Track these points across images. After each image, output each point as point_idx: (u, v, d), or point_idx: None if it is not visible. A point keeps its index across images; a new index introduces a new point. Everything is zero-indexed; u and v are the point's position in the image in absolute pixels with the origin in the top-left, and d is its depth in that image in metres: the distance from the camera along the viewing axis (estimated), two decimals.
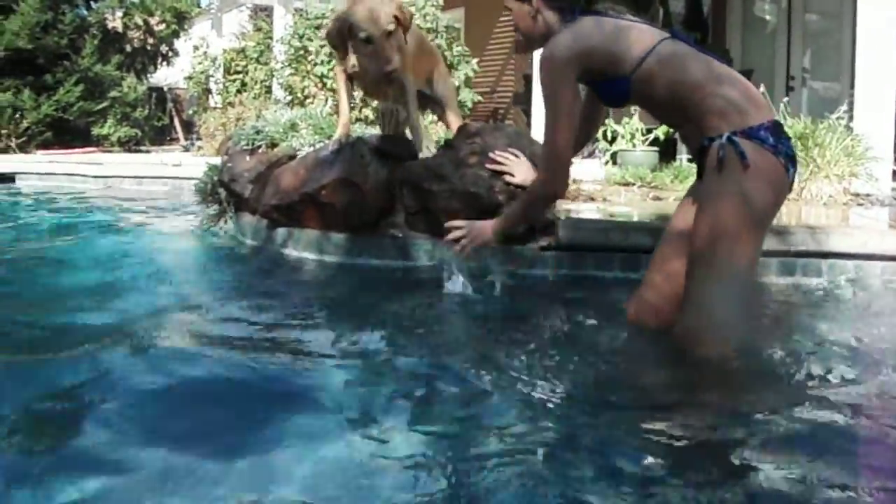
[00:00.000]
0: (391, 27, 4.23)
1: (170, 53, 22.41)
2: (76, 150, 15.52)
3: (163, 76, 23.68)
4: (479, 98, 11.97)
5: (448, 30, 10.68)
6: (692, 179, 3.13)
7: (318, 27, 11.26)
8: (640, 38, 2.87)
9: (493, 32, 15.02)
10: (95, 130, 17.83)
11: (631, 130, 8.50)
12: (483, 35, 14.62)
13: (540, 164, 3.28)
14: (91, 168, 11.12)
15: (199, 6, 22.95)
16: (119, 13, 20.34)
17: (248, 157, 5.52)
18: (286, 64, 11.74)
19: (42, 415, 2.39)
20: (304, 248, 4.85)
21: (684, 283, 2.78)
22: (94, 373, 2.67)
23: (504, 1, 3.14)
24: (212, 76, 15.29)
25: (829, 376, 2.82)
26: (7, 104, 16.09)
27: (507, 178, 4.05)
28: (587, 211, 5.44)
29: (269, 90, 13.62)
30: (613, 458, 2.15)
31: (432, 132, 6.62)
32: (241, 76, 14.42)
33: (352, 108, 5.33)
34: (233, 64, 14.73)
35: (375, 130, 6.60)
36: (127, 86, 18.87)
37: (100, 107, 17.78)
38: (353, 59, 4.54)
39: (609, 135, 8.63)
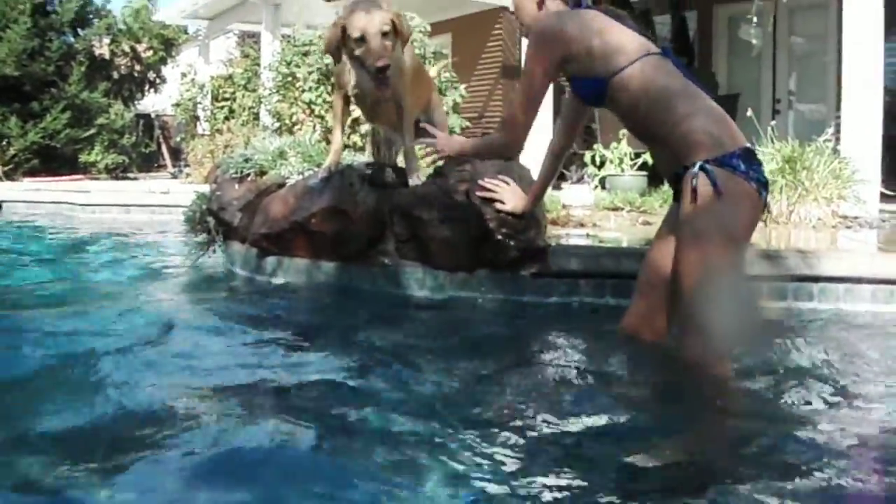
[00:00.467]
0: (386, 28, 4.21)
1: (157, 80, 22.45)
2: (63, 177, 15.50)
3: (150, 103, 23.69)
4: (468, 124, 11.98)
5: (436, 56, 10.69)
6: None
7: (305, 53, 11.25)
8: (629, 45, 2.90)
9: (480, 58, 15.07)
10: (83, 157, 17.82)
11: (619, 155, 8.52)
12: (470, 60, 14.65)
13: (499, 127, 3.38)
14: (78, 196, 11.07)
15: (186, 33, 23.02)
16: (106, 40, 20.38)
17: (236, 186, 5.50)
18: (274, 90, 11.72)
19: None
20: (293, 277, 4.82)
21: (678, 309, 2.79)
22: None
23: None
24: (199, 103, 15.27)
25: (818, 400, 2.83)
26: None
27: (498, 205, 4.05)
28: (577, 237, 5.43)
29: (256, 117, 13.59)
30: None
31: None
32: (228, 103, 14.40)
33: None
34: (220, 91, 14.71)
35: (363, 157, 6.61)
36: (114, 113, 18.88)
37: (87, 134, 17.79)
38: (352, 80, 4.54)
39: (598, 160, 8.65)
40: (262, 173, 5.50)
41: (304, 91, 10.82)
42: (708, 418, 2.71)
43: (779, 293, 4.41)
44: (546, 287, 4.37)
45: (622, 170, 8.46)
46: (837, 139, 7.08)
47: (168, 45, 22.89)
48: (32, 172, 16.31)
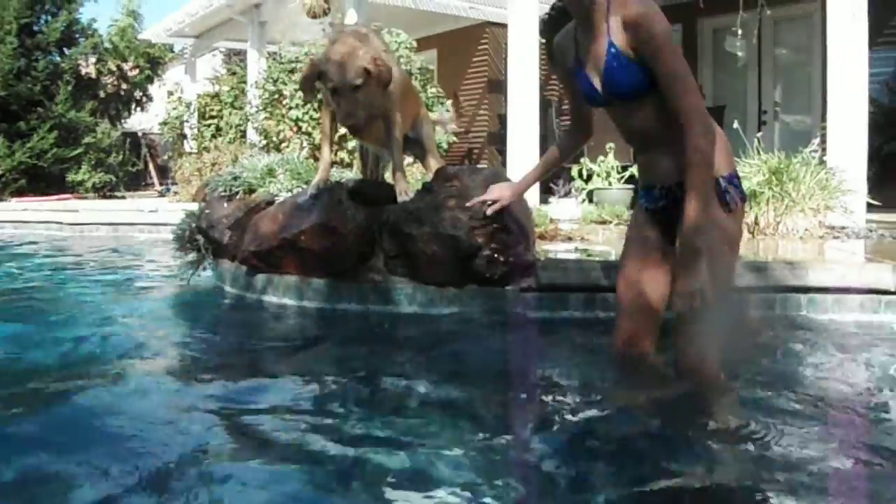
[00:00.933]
0: (358, 81, 4.17)
1: (144, 99, 22.47)
2: (51, 197, 15.47)
3: (137, 121, 23.71)
4: (454, 139, 12.01)
5: (422, 71, 10.73)
6: None
7: (291, 71, 11.28)
8: None
9: (467, 73, 15.12)
10: (70, 177, 17.80)
11: (606, 168, 8.55)
12: (456, 76, 14.72)
13: (693, 125, 2.72)
14: (66, 216, 11.06)
15: (172, 51, 23.06)
16: (92, 59, 20.37)
17: (225, 204, 5.51)
18: (261, 108, 11.74)
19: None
20: (283, 294, 4.82)
21: (681, 320, 2.79)
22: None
23: None
24: (187, 121, 15.26)
25: (804, 409, 2.85)
26: None
27: (495, 207, 3.89)
28: (566, 251, 5.44)
29: (244, 134, 13.60)
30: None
31: (408, 174, 6.62)
32: (215, 121, 14.40)
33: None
34: (207, 109, 14.72)
35: (350, 173, 6.62)
36: (101, 132, 18.89)
37: (74, 153, 17.78)
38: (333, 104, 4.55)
39: (585, 173, 8.67)
40: (251, 191, 5.51)
41: (290, 108, 10.83)
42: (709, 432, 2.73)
43: (767, 304, 4.42)
44: (535, 301, 4.37)
45: (609, 183, 8.49)
46: (824, 150, 7.12)
47: (154, 63, 22.95)
48: (20, 192, 16.29)
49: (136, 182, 21.27)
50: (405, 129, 4.89)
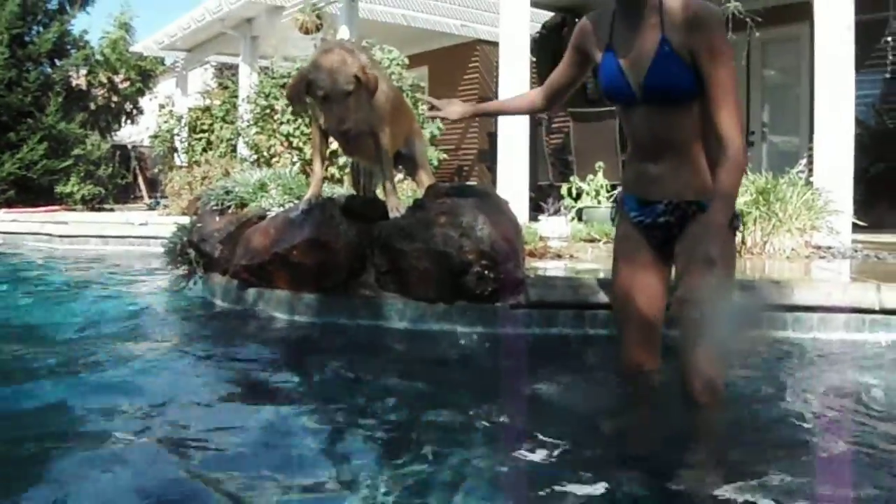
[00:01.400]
0: (349, 87, 4.25)
1: (134, 111, 22.46)
2: (40, 208, 15.44)
3: (126, 134, 23.70)
4: (445, 156, 12.07)
5: (413, 88, 10.78)
6: None
7: (283, 86, 11.31)
8: None
9: (457, 90, 15.18)
10: (59, 188, 17.76)
11: (595, 187, 8.61)
12: (446, 93, 14.81)
13: (729, 146, 2.69)
14: (56, 227, 11.03)
15: (163, 64, 23.08)
16: (83, 71, 20.34)
17: (217, 218, 5.55)
18: (252, 122, 11.77)
19: None
20: (274, 308, 4.84)
21: (688, 335, 2.82)
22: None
23: None
24: (177, 135, 15.28)
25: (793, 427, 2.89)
26: None
27: (439, 113, 3.80)
28: (555, 269, 5.48)
29: (234, 149, 13.63)
30: None
31: (400, 190, 6.66)
32: (206, 135, 14.43)
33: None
34: (198, 122, 14.74)
35: (341, 189, 6.65)
36: (91, 143, 18.86)
37: (64, 165, 17.74)
38: (322, 117, 4.59)
39: (574, 192, 8.73)
40: (243, 205, 5.55)
41: (282, 123, 10.87)
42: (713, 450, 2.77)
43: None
44: (525, 318, 4.40)
45: (598, 202, 8.55)
46: (810, 170, 7.19)
47: (145, 76, 22.96)
48: (8, 203, 16.24)
49: (125, 195, 21.26)
50: (397, 146, 4.93)
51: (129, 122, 22.91)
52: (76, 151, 18.27)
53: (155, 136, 15.56)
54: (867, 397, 3.38)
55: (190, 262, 5.71)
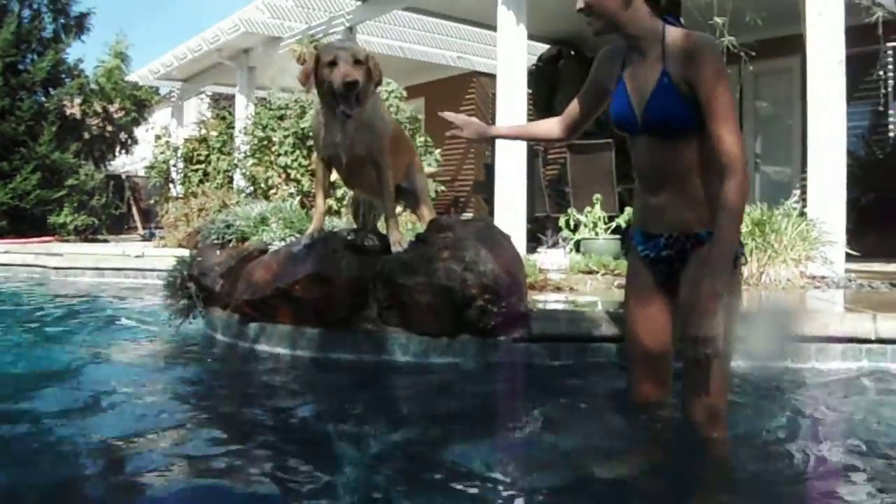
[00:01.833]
0: (358, 56, 4.40)
1: (129, 141, 22.45)
2: (33, 238, 15.41)
3: (120, 163, 23.70)
4: (443, 188, 12.12)
5: (411, 120, 10.85)
6: None
7: (281, 117, 11.38)
8: None
9: (452, 123, 15.23)
10: (52, 219, 17.68)
11: (594, 219, 8.65)
12: (443, 125, 14.86)
13: (733, 164, 2.72)
14: (50, 259, 11.03)
15: (158, 94, 23.13)
16: (78, 100, 20.34)
17: (218, 251, 5.57)
18: (249, 154, 11.80)
19: None
20: (276, 343, 4.85)
21: (692, 372, 2.85)
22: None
23: None
24: (174, 165, 15.28)
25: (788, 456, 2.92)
26: None
27: (457, 132, 3.84)
28: (555, 302, 5.51)
29: (231, 180, 13.64)
30: None
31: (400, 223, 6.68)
32: (203, 166, 14.43)
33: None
34: (195, 153, 14.75)
35: (339, 221, 6.68)
36: (84, 173, 18.83)
37: (57, 195, 17.69)
38: (324, 133, 4.66)
39: (572, 223, 8.78)
40: (244, 239, 5.58)
41: (279, 155, 10.91)
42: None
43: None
44: (528, 351, 4.43)
45: (596, 233, 8.58)
46: (804, 201, 7.24)
47: (140, 105, 23.00)
48: (0, 234, 16.22)
49: (118, 225, 21.20)
50: (398, 179, 4.97)
51: (123, 152, 22.89)
52: (70, 181, 18.23)
53: (151, 167, 15.55)
54: (868, 430, 3.41)
55: (190, 296, 5.70)
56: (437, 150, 11.41)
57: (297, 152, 10.77)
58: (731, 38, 7.07)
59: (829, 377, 4.30)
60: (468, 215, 14.50)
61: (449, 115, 3.86)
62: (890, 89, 11.43)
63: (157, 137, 15.57)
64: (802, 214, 6.86)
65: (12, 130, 17.51)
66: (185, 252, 8.72)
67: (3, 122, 17.44)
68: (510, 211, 9.27)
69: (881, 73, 10.98)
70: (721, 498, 2.76)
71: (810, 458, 3.01)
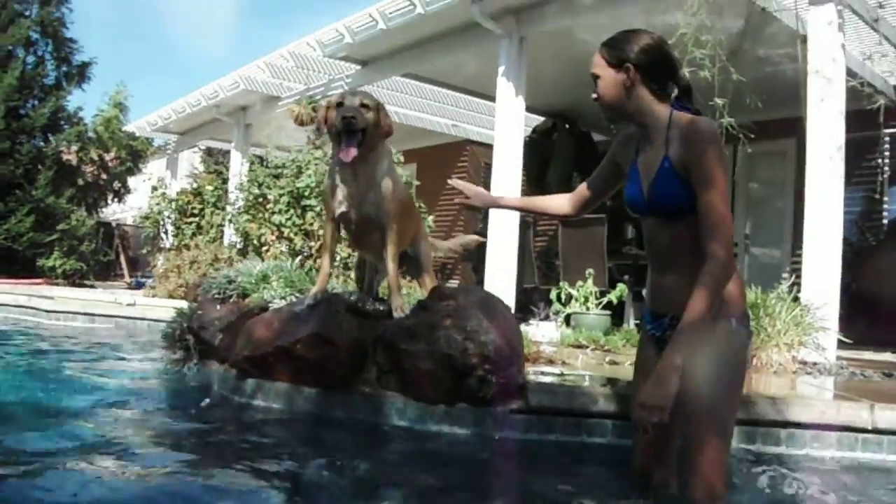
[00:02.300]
0: (366, 102, 4.54)
1: (122, 190, 22.54)
2: (23, 280, 15.41)
3: (111, 211, 23.74)
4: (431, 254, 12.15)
5: (407, 185, 10.94)
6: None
7: (277, 176, 11.46)
8: None
9: (444, 188, 15.37)
10: (41, 262, 17.73)
11: (585, 293, 8.70)
12: (434, 190, 15.01)
13: (718, 240, 2.80)
14: (43, 302, 11.01)
15: (152, 144, 23.27)
16: (75, 147, 20.48)
17: (218, 306, 5.60)
18: (244, 210, 11.85)
19: None
20: (273, 400, 4.85)
21: (692, 445, 2.88)
22: None
23: (592, 67, 3.11)
24: (169, 217, 15.31)
25: None
26: None
27: (466, 200, 3.96)
28: (549, 374, 5.53)
29: (223, 235, 13.70)
30: None
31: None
32: (197, 219, 14.48)
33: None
34: (189, 206, 14.80)
35: (335, 283, 6.71)
36: (76, 219, 18.92)
37: (49, 239, 17.77)
38: (339, 195, 4.72)
39: (563, 297, 8.82)
40: (245, 295, 5.60)
41: (274, 213, 10.97)
42: None
43: (748, 437, 4.53)
44: (525, 423, 4.45)
45: (587, 308, 8.62)
46: (795, 285, 7.29)
47: (135, 155, 23.13)
48: None
49: (105, 272, 21.22)
50: (404, 244, 5.03)
51: (116, 200, 22.97)
52: (62, 226, 18.34)
53: (146, 217, 15.58)
54: None
55: (187, 348, 5.72)
56: (431, 217, 11.49)
57: (292, 211, 10.84)
58: (730, 119, 7.18)
59: (826, 465, 4.32)
60: (454, 283, 14.57)
61: (458, 184, 3.95)
62: (886, 175, 11.62)
63: (154, 188, 15.64)
64: (796, 299, 6.91)
65: (10, 173, 17.65)
66: (177, 303, 8.76)
67: (2, 164, 17.56)
68: (500, 281, 9.34)
69: (881, 161, 11.20)
70: None
71: None
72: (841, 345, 7.28)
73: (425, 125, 15.65)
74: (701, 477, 2.87)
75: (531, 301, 9.88)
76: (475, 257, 12.70)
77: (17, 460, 3.39)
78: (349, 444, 4.31)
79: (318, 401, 4.71)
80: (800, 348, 6.66)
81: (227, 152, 16.80)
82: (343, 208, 4.73)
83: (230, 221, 12.81)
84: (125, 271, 22.05)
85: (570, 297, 8.80)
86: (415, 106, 15.07)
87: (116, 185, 22.82)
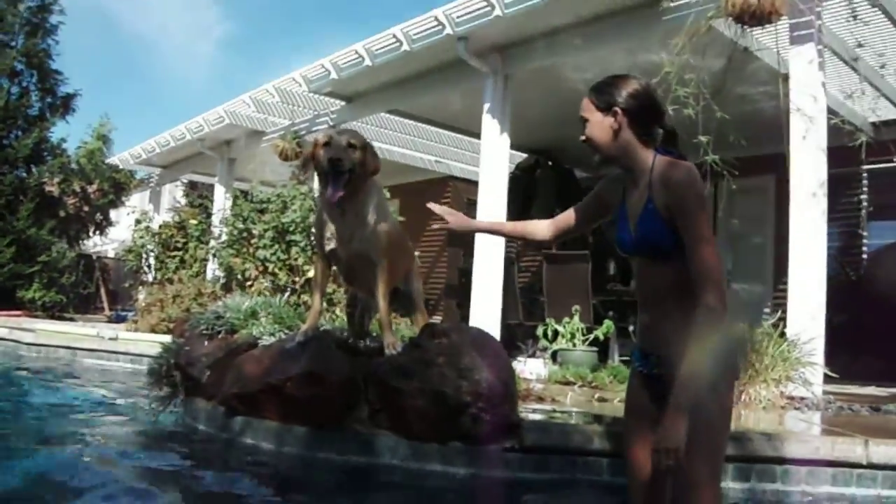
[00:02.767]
0: (353, 142, 4.55)
1: (104, 222, 22.42)
2: (2, 312, 15.29)
3: (91, 244, 23.60)
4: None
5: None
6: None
7: (262, 211, 11.42)
8: None
9: (427, 224, 15.38)
10: (21, 293, 17.60)
11: (571, 330, 8.68)
12: (417, 226, 15.03)
13: (709, 288, 2.76)
14: (25, 335, 10.92)
15: (134, 177, 23.19)
16: (57, 178, 20.40)
17: (206, 342, 5.55)
18: (228, 244, 11.80)
19: None
20: (262, 439, 4.81)
21: (687, 483, 2.88)
22: None
23: (581, 110, 3.09)
24: (152, 250, 15.21)
25: None
26: None
27: (445, 224, 3.77)
28: (540, 412, 5.52)
29: (206, 269, 13.64)
30: None
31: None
32: (180, 253, 14.40)
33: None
34: (172, 240, 14.72)
35: (322, 319, 6.66)
36: (57, 251, 18.80)
37: (30, 270, 17.66)
38: (328, 232, 4.71)
39: (549, 333, 8.81)
40: (233, 331, 5.55)
41: (258, 248, 10.92)
42: None
43: (742, 474, 4.52)
44: (518, 462, 4.42)
45: (574, 344, 8.60)
46: (781, 320, 7.30)
47: (118, 188, 23.03)
48: None
49: (85, 304, 21.05)
50: (395, 281, 5.00)
51: (97, 232, 22.82)
52: (42, 258, 18.21)
53: (129, 251, 15.46)
54: None
55: (174, 385, 5.67)
56: (416, 253, 11.47)
57: (277, 246, 10.79)
58: (714, 156, 7.23)
59: (822, 502, 4.32)
60: (437, 320, 14.51)
61: (435, 207, 3.94)
62: (865, 210, 11.71)
63: (138, 221, 15.54)
64: (783, 335, 6.93)
65: None
66: (160, 337, 8.70)
67: None
68: (485, 316, 9.32)
69: (863, 198, 11.29)
70: None
71: None
72: (827, 379, 7.30)
73: (408, 161, 15.64)
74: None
75: (516, 337, 9.85)
76: (460, 293, 12.67)
77: None
78: (335, 484, 4.25)
79: (307, 439, 4.66)
80: (787, 383, 6.68)
81: (211, 186, 16.70)
82: (332, 245, 4.71)
83: (214, 255, 12.74)
84: (105, 304, 21.87)
85: (556, 333, 8.79)
86: (398, 142, 15.08)
87: (98, 217, 22.68)
